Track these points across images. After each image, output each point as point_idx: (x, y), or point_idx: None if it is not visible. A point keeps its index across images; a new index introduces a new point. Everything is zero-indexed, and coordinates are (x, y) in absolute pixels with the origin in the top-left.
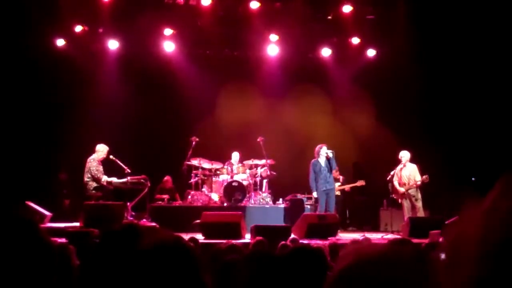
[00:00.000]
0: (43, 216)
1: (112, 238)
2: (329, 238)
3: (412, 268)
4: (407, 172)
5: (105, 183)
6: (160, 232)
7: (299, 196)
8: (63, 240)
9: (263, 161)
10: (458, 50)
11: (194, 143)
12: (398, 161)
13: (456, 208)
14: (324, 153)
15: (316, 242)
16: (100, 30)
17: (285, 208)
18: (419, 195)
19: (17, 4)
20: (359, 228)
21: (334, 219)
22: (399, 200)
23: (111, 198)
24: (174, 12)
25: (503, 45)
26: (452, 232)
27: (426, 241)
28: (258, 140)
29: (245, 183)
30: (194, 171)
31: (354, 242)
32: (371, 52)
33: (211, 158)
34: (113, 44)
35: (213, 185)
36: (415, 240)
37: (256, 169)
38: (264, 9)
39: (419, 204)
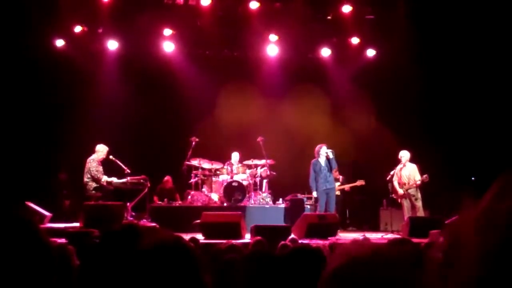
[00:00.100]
0: (43, 216)
1: (112, 238)
2: (329, 238)
3: (405, 267)
4: (407, 172)
5: (105, 184)
6: (160, 232)
7: (299, 196)
8: (63, 240)
9: (263, 161)
10: (458, 50)
11: (194, 143)
12: (398, 161)
13: (456, 207)
14: (324, 152)
15: (316, 242)
16: (100, 31)
17: (285, 208)
18: (419, 195)
19: (17, 4)
20: (359, 228)
21: (334, 219)
22: (399, 200)
23: (111, 199)
24: (174, 12)
25: (503, 45)
26: (451, 232)
27: (426, 240)
28: (258, 140)
29: (245, 183)
30: (194, 171)
31: (354, 242)
32: (370, 52)
33: (211, 158)
34: (112, 45)
35: (213, 185)
36: (415, 240)
37: (256, 169)
38: (263, 9)
39: (419, 203)
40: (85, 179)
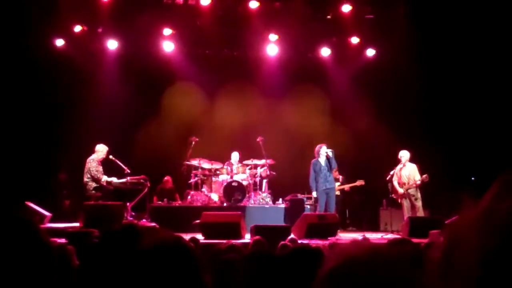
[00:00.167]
0: (42, 216)
1: (112, 238)
2: (329, 238)
3: (403, 267)
4: (407, 172)
5: (104, 183)
6: (160, 232)
7: (299, 196)
8: (63, 240)
9: (262, 161)
10: (458, 49)
11: (193, 143)
12: (397, 161)
13: (456, 207)
14: (324, 152)
15: (316, 242)
16: (100, 30)
17: (285, 208)
18: (419, 195)
19: (17, 4)
20: (359, 228)
21: (334, 219)
22: (399, 200)
23: (111, 198)
24: (173, 12)
25: (503, 44)
26: (451, 232)
27: (426, 241)
28: (257, 140)
29: (244, 183)
30: (194, 171)
31: (353, 242)
32: (370, 52)
33: (211, 158)
34: (112, 44)
35: (213, 185)
36: (415, 240)
37: (256, 169)
38: (263, 8)
39: (419, 203)
40: (85, 179)
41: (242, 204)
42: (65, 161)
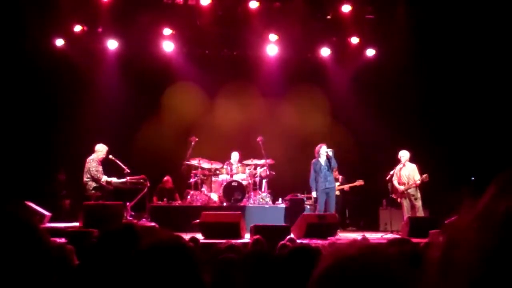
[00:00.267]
0: (42, 216)
1: (110, 238)
2: (328, 238)
3: (400, 267)
4: (407, 172)
5: (104, 183)
6: (160, 232)
7: (299, 195)
8: (63, 240)
9: (262, 161)
10: (458, 49)
11: (193, 143)
12: (397, 161)
13: (456, 207)
14: (324, 152)
15: (315, 242)
16: (99, 30)
17: (285, 208)
18: (419, 194)
19: (17, 4)
20: (359, 228)
21: (334, 219)
22: (399, 200)
23: (111, 198)
24: (173, 12)
25: (503, 44)
26: (450, 232)
27: (425, 240)
28: (257, 140)
29: (244, 183)
30: (194, 171)
31: (351, 241)
32: (370, 52)
33: (211, 158)
34: (112, 44)
35: (213, 185)
36: (415, 240)
37: (256, 169)
38: (263, 8)
39: (419, 203)
40: (85, 179)
41: (241, 204)
42: (65, 161)
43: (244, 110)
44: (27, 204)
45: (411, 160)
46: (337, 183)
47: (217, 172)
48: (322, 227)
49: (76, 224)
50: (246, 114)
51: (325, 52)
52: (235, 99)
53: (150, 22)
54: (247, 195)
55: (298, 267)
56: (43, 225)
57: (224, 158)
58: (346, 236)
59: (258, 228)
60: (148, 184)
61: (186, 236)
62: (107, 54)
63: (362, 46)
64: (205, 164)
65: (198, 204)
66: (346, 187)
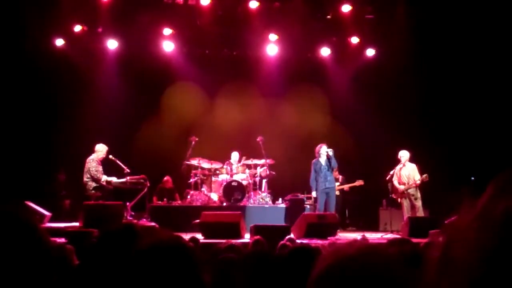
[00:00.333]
0: (42, 216)
1: (110, 238)
2: (328, 238)
3: (399, 267)
4: (407, 172)
5: (104, 183)
6: (159, 232)
7: (299, 195)
8: (63, 240)
9: (262, 161)
10: (458, 49)
11: (193, 142)
12: (397, 161)
13: (456, 207)
14: (324, 152)
15: (315, 242)
16: (99, 30)
17: (285, 208)
18: (419, 194)
19: (17, 4)
20: (359, 228)
21: (334, 219)
22: (399, 200)
23: (111, 198)
24: (173, 12)
25: (502, 44)
26: (450, 232)
27: (425, 240)
28: (257, 139)
29: (244, 183)
30: (194, 171)
31: (353, 242)
32: (370, 52)
33: (211, 157)
34: (112, 44)
35: (213, 185)
36: (415, 240)
37: (256, 168)
38: (263, 8)
39: (419, 203)
40: (85, 179)
41: (241, 204)
42: (65, 161)
43: (244, 110)
44: (27, 204)
45: (411, 160)
46: (337, 183)
47: (217, 172)
48: (322, 227)
49: (76, 224)
50: (246, 114)
51: (325, 52)
52: (235, 99)
53: (150, 22)
54: (247, 195)
55: (298, 267)
56: (43, 225)
57: (224, 158)
58: (346, 236)
59: (258, 228)
60: (148, 184)
61: (186, 236)
62: (107, 54)
63: (362, 46)
64: (205, 164)
65: (198, 204)
66: (346, 187)
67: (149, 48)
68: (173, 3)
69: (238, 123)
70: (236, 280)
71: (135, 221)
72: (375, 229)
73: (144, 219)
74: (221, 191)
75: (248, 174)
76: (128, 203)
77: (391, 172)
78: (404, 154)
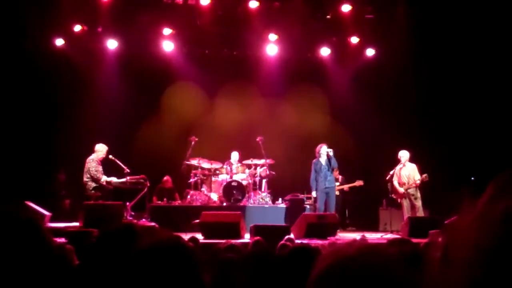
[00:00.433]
0: (42, 216)
1: (110, 238)
2: (328, 238)
3: (397, 267)
4: (407, 172)
5: (104, 183)
6: (159, 232)
7: (299, 195)
8: (63, 240)
9: (262, 161)
10: (458, 49)
11: (193, 142)
12: (397, 161)
13: (456, 208)
14: (324, 152)
15: (315, 242)
16: (99, 30)
17: (285, 208)
18: (419, 194)
19: (17, 4)
20: (359, 228)
21: (334, 219)
22: (399, 200)
23: (111, 198)
24: (173, 12)
25: (502, 44)
26: (450, 232)
27: (425, 241)
28: (257, 139)
29: (244, 182)
30: (194, 171)
31: (353, 242)
32: (370, 52)
33: (211, 157)
34: (112, 44)
35: (213, 185)
36: (415, 240)
37: (256, 168)
38: (263, 8)
39: (419, 203)
40: (85, 179)
41: (241, 204)
42: (65, 161)
43: (244, 110)
44: (27, 204)
45: (411, 160)
46: (337, 183)
47: (217, 172)
48: (322, 227)
49: (76, 224)
50: (246, 114)
51: (325, 52)
52: (235, 99)
53: (150, 22)
54: (247, 195)
55: (298, 267)
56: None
57: (224, 158)
58: (346, 236)
59: (258, 228)
60: (148, 184)
61: (186, 236)
62: (107, 54)
63: (362, 46)
64: (205, 164)
65: (198, 204)
66: (345, 187)
67: (149, 48)
68: (173, 3)
69: (238, 123)
70: (236, 280)
71: (135, 221)
72: (375, 229)
73: (144, 219)
74: (221, 191)
75: (248, 174)
76: (128, 203)
77: (391, 172)
78: (404, 154)
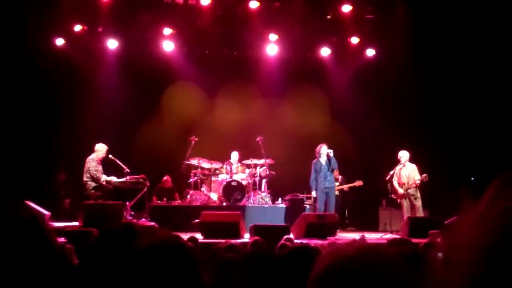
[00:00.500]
0: (41, 215)
1: (110, 237)
2: (328, 238)
3: (396, 267)
4: (407, 172)
5: (104, 183)
6: (158, 232)
7: (299, 195)
8: (62, 239)
9: (262, 161)
10: (458, 49)
11: (193, 142)
12: (397, 161)
13: (456, 208)
14: (324, 152)
15: (315, 242)
16: (100, 30)
17: (285, 208)
18: (418, 194)
19: (17, 4)
20: (358, 228)
21: (333, 219)
22: (399, 200)
23: (110, 198)
24: (173, 12)
25: (502, 44)
26: (450, 232)
27: (425, 241)
28: (257, 139)
29: (244, 182)
30: (193, 171)
31: (353, 242)
32: (370, 52)
33: (210, 157)
34: (112, 44)
35: (212, 185)
36: (415, 240)
37: (255, 168)
38: (263, 8)
39: (419, 203)
40: (85, 179)
41: (241, 204)
42: (65, 161)
43: (244, 110)
44: (27, 204)
45: (411, 160)
46: (337, 183)
47: (217, 172)
48: (321, 227)
49: (76, 223)
50: (246, 114)
51: (325, 52)
52: (235, 99)
53: (150, 22)
54: (246, 195)
55: (297, 267)
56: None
57: (224, 158)
58: (345, 236)
59: (257, 228)
60: (148, 184)
61: (186, 236)
62: (107, 54)
63: (362, 46)
64: (205, 164)
65: (198, 203)
66: (345, 187)
67: (149, 48)
68: (173, 3)
69: (238, 123)
70: (235, 280)
71: (135, 220)
72: (375, 229)
73: (144, 219)
74: (220, 191)
75: (248, 174)
76: (127, 203)
77: (391, 172)
78: (404, 154)
